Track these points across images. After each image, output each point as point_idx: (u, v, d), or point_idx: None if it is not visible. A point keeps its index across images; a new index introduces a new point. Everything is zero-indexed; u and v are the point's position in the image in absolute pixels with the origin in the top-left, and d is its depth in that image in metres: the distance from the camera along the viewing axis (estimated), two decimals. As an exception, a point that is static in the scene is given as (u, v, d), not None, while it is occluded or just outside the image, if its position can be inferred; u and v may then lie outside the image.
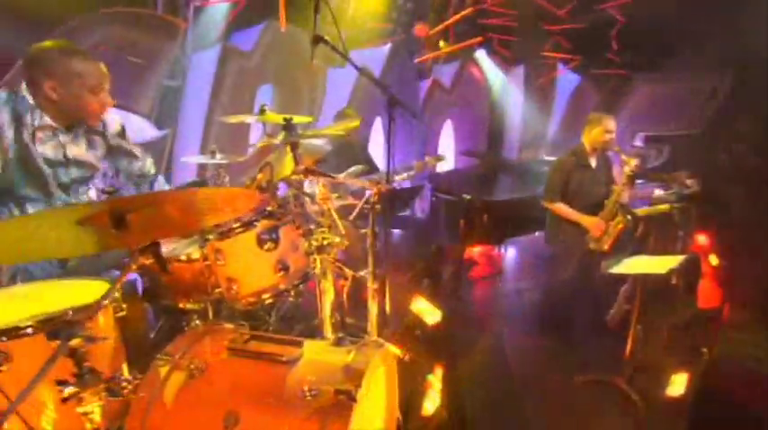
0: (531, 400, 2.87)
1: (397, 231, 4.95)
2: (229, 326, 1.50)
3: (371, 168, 3.90)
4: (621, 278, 3.77)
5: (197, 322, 1.63)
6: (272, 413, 1.20)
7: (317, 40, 2.07)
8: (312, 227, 1.79)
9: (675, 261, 2.74)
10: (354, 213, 3.34)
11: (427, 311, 2.65)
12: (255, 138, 4.39)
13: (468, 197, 4.03)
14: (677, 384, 2.72)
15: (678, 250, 3.80)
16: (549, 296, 3.69)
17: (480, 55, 6.77)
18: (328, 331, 1.79)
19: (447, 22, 5.82)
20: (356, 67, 2.24)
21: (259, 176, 1.85)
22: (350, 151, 3.91)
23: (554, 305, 3.66)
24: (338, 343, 1.36)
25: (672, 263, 2.70)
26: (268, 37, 4.27)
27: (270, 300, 1.79)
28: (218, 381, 1.25)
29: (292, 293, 1.85)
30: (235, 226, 1.71)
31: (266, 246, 1.74)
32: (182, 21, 3.77)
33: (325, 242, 1.74)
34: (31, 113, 1.71)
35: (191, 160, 3.44)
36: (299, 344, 1.34)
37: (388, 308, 2.52)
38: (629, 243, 5.20)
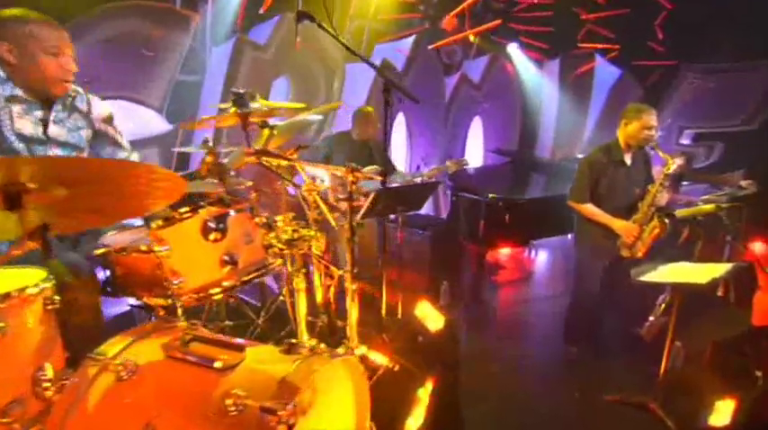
0: (548, 421, 2.61)
1: (417, 231, 4.75)
2: (183, 324, 1.36)
3: (389, 169, 3.73)
4: (658, 287, 3.44)
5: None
6: (190, 428, 1.06)
7: (301, 16, 1.93)
8: (278, 218, 1.61)
9: (720, 270, 2.39)
10: (362, 212, 3.19)
11: (430, 317, 2.44)
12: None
13: (491, 196, 3.77)
14: (722, 412, 2.38)
15: (725, 257, 3.40)
16: (576, 305, 3.38)
17: (512, 49, 6.45)
18: (303, 335, 1.62)
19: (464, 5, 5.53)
20: (346, 47, 2.08)
21: (207, 159, 1.71)
22: (365, 151, 3.76)
23: (580, 315, 3.35)
24: (289, 350, 1.20)
25: (716, 272, 2.36)
26: (283, 30, 4.17)
27: (217, 297, 1.63)
28: (146, 387, 1.12)
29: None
30: (182, 212, 1.57)
31: (211, 237, 1.59)
32: (194, 13, 3.73)
33: (295, 236, 1.56)
34: (2, 85, 1.68)
35: (182, 149, 3.39)
36: (243, 349, 1.18)
37: (383, 310, 2.35)
38: (672, 250, 4.80)
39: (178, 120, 3.77)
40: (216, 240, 1.60)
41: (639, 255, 3.07)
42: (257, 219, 1.73)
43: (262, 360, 1.17)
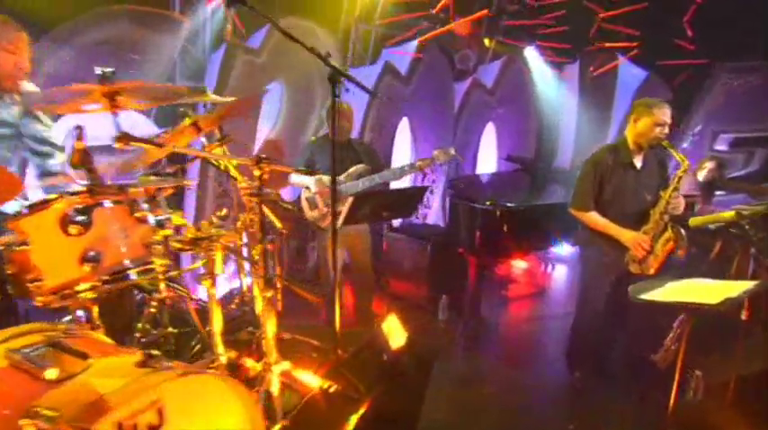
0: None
1: (416, 241, 4.50)
2: (62, 326, 1.20)
3: (376, 168, 3.54)
4: (674, 307, 3.03)
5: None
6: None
7: (231, 1, 1.80)
8: (169, 213, 1.41)
9: (739, 288, 2.03)
10: (342, 218, 3.00)
11: (394, 332, 2.19)
12: (262, 131, 4.23)
13: (488, 202, 3.48)
14: (743, 458, 2.00)
15: (749, 274, 2.96)
16: (580, 326, 3.03)
17: (530, 52, 6.15)
18: (218, 347, 1.42)
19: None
20: (283, 31, 1.91)
21: (76, 147, 1.54)
22: (350, 152, 3.58)
23: (585, 337, 2.99)
24: (144, 363, 1.01)
25: (733, 290, 2.00)
26: (277, 35, 4.08)
27: (86, 297, 1.42)
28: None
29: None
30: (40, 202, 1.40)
31: (72, 230, 1.41)
32: (184, 18, 3.69)
33: (205, 234, 1.36)
34: None
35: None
36: (86, 358, 1.00)
37: (337, 323, 2.12)
38: (703, 266, 4.31)
39: (171, 125, 3.73)
40: (77, 234, 1.42)
41: (651, 271, 2.71)
42: (137, 214, 1.54)
43: (106, 373, 0.99)
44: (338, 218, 3.19)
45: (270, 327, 1.67)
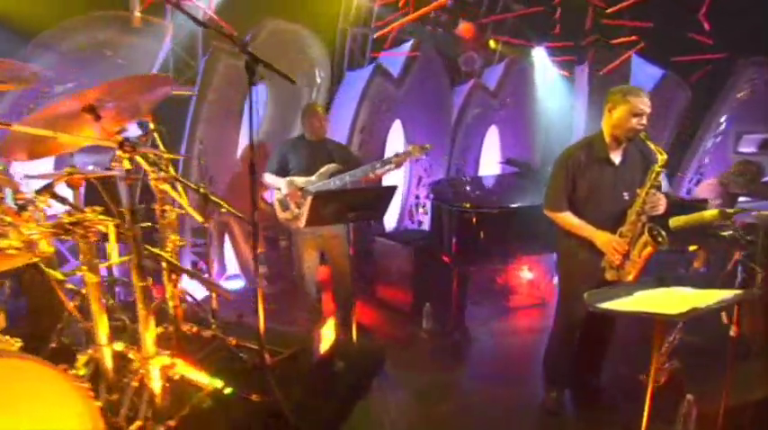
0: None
1: (399, 246, 4.31)
2: None
3: (351, 167, 3.41)
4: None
5: None
6: None
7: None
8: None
9: (713, 298, 1.74)
10: (303, 219, 2.87)
11: (325, 337, 2.02)
12: (246, 135, 4.20)
13: (465, 205, 3.26)
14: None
15: (738, 282, 2.59)
16: (557, 339, 2.75)
17: (538, 53, 5.90)
18: (101, 337, 1.31)
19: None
20: (195, 19, 1.82)
21: None
22: (323, 152, 3.48)
23: (562, 351, 2.71)
24: None
25: (705, 300, 1.71)
26: (263, 35, 4.07)
27: None
28: None
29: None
30: None
31: None
32: (168, 24, 3.74)
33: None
34: None
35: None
36: None
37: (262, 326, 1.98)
38: (716, 278, 3.90)
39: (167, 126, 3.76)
40: None
41: (629, 278, 2.42)
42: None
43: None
44: (301, 218, 3.09)
45: (146, 320, 1.56)
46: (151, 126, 2.40)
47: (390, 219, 5.13)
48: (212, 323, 2.21)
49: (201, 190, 2.16)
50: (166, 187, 2.05)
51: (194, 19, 1.86)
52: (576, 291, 2.57)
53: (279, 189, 3.50)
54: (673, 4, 4.51)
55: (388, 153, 4.82)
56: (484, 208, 3.25)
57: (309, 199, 2.96)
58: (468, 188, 3.93)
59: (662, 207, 2.36)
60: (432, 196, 3.71)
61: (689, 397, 2.50)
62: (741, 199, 4.43)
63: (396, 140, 4.85)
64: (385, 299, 4.41)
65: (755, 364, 2.66)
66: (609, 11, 4.69)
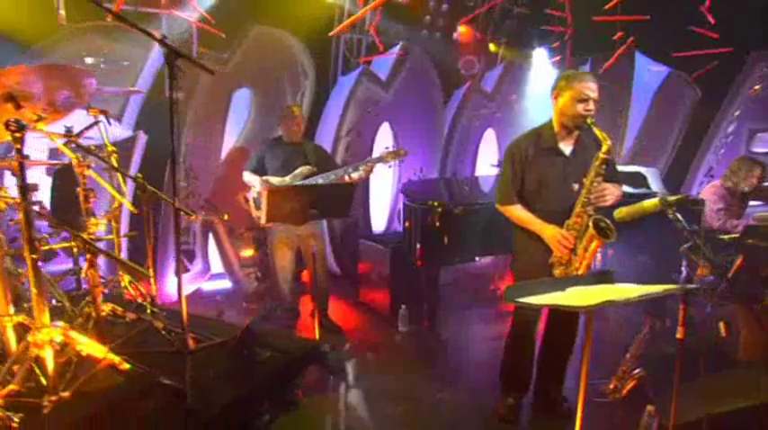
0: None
1: (377, 247, 4.26)
2: None
3: (326, 169, 3.43)
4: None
5: None
6: None
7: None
8: None
9: (635, 292, 1.58)
10: (263, 216, 2.89)
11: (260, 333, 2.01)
12: (229, 141, 4.31)
13: (430, 203, 3.18)
14: None
15: (683, 277, 2.34)
16: (514, 341, 2.60)
17: (539, 54, 5.76)
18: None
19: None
20: (116, 15, 1.87)
21: None
22: (299, 154, 3.53)
23: (519, 354, 2.56)
24: None
25: (629, 293, 1.56)
26: (245, 44, 4.19)
27: None
28: None
29: None
30: None
31: None
32: (156, 32, 3.91)
33: None
34: None
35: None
36: None
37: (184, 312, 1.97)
38: (721, 284, 3.63)
39: (156, 131, 3.95)
40: None
41: (578, 274, 2.26)
42: None
43: None
44: (262, 215, 3.12)
45: (39, 291, 1.59)
46: (96, 118, 2.50)
47: (380, 222, 5.09)
48: (146, 308, 2.25)
49: (139, 180, 2.22)
50: (91, 173, 2.12)
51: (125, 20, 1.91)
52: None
53: (254, 187, 3.56)
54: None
55: (375, 155, 4.82)
56: (448, 205, 3.16)
57: (265, 194, 2.99)
58: (442, 188, 3.85)
59: (610, 197, 2.21)
60: (402, 196, 3.65)
61: (649, 408, 2.29)
62: (755, 204, 4.10)
63: (384, 142, 4.83)
64: (366, 301, 4.36)
65: (738, 374, 2.41)
66: (607, 7, 4.50)
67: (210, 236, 4.28)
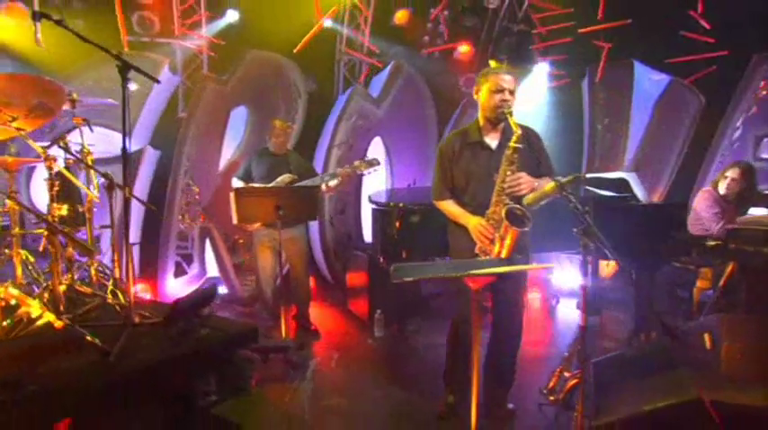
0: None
1: (355, 253, 4.38)
2: None
3: (307, 177, 3.68)
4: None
5: None
6: None
7: (38, 15, 2.15)
8: None
9: (500, 266, 1.59)
10: (233, 215, 3.12)
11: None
12: (228, 152, 4.68)
13: (390, 204, 3.29)
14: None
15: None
16: (454, 336, 2.61)
17: (541, 68, 5.79)
18: None
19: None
20: (79, 36, 2.20)
21: None
22: (282, 163, 3.78)
23: (458, 351, 2.56)
24: None
25: (483, 266, 1.58)
26: (244, 65, 4.60)
27: None
28: None
29: None
30: None
31: None
32: (163, 58, 4.42)
33: None
34: None
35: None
36: None
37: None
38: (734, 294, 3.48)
39: (164, 142, 4.44)
40: None
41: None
42: None
43: None
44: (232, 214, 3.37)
45: None
46: (78, 125, 2.89)
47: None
48: (109, 287, 2.52)
49: (108, 176, 2.54)
50: (58, 166, 2.46)
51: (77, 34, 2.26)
52: (459, 282, 2.47)
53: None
54: (660, 2, 4.23)
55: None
56: (406, 206, 3.26)
57: (232, 194, 3.24)
58: (407, 194, 3.96)
59: (525, 186, 2.22)
60: (370, 203, 3.79)
61: (575, 412, 2.21)
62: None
63: (376, 155, 5.02)
64: (352, 309, 4.46)
65: (674, 373, 2.26)
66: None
67: (207, 242, 4.60)
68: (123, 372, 1.88)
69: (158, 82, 2.36)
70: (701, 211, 3.83)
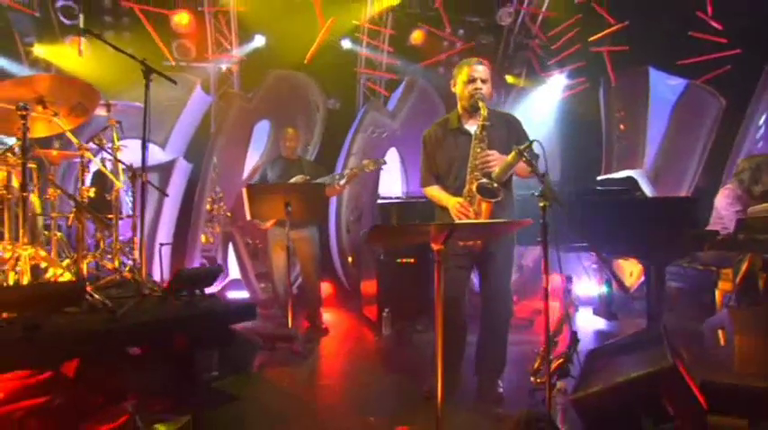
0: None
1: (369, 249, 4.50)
2: None
3: (318, 178, 3.92)
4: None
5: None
6: None
7: (84, 32, 2.58)
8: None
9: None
10: (247, 211, 3.39)
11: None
12: (252, 159, 5.06)
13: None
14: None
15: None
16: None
17: (557, 80, 5.87)
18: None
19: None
20: (112, 45, 2.59)
21: None
22: (295, 166, 4.06)
23: (443, 339, 2.59)
24: None
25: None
26: (269, 80, 5.03)
27: None
28: None
29: None
30: None
31: None
32: (197, 78, 4.92)
33: None
34: None
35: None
36: None
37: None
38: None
39: (197, 156, 4.90)
40: None
41: (479, 242, 2.36)
42: None
43: None
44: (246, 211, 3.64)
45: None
46: (112, 124, 3.31)
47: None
48: (128, 267, 2.84)
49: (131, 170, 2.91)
50: (89, 155, 2.86)
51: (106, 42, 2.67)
52: (452, 270, 2.53)
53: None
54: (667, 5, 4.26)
55: (382, 176, 5.22)
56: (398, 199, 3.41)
57: (244, 190, 3.53)
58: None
59: (494, 162, 2.31)
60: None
61: (559, 384, 2.20)
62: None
63: (393, 167, 5.26)
64: (365, 313, 4.55)
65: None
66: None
67: (230, 246, 4.92)
68: (126, 325, 2.12)
69: (175, 83, 2.70)
70: (722, 209, 3.71)
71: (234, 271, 4.92)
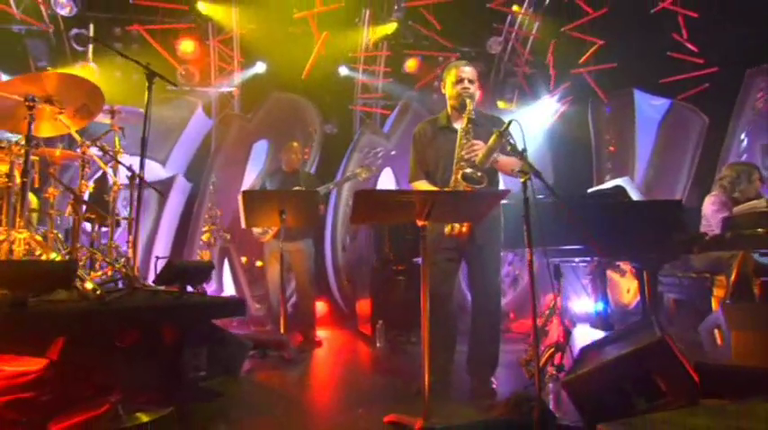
0: None
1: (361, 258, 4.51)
2: None
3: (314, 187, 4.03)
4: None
5: None
6: None
7: (92, 40, 2.75)
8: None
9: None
10: (242, 218, 3.44)
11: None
12: (250, 177, 5.16)
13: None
14: None
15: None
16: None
17: (549, 102, 6.08)
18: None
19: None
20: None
21: None
22: (293, 178, 4.15)
23: (431, 335, 2.58)
24: None
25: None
26: (269, 101, 5.25)
27: None
28: None
29: None
30: None
31: None
32: (198, 100, 5.14)
33: None
34: None
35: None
36: None
37: None
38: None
39: (196, 172, 5.02)
40: None
41: (464, 230, 2.40)
42: None
43: None
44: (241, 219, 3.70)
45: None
46: (115, 129, 3.42)
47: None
48: (119, 261, 2.86)
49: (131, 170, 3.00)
50: (91, 153, 2.95)
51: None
52: (441, 265, 2.56)
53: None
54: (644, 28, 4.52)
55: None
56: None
57: (239, 196, 3.59)
58: None
59: (478, 149, 2.39)
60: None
61: (550, 369, 2.17)
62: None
63: (387, 184, 5.36)
64: (361, 329, 4.49)
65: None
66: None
67: (226, 262, 4.93)
68: (114, 309, 2.13)
69: (176, 85, 2.83)
70: (710, 217, 3.76)
71: (229, 287, 4.91)
